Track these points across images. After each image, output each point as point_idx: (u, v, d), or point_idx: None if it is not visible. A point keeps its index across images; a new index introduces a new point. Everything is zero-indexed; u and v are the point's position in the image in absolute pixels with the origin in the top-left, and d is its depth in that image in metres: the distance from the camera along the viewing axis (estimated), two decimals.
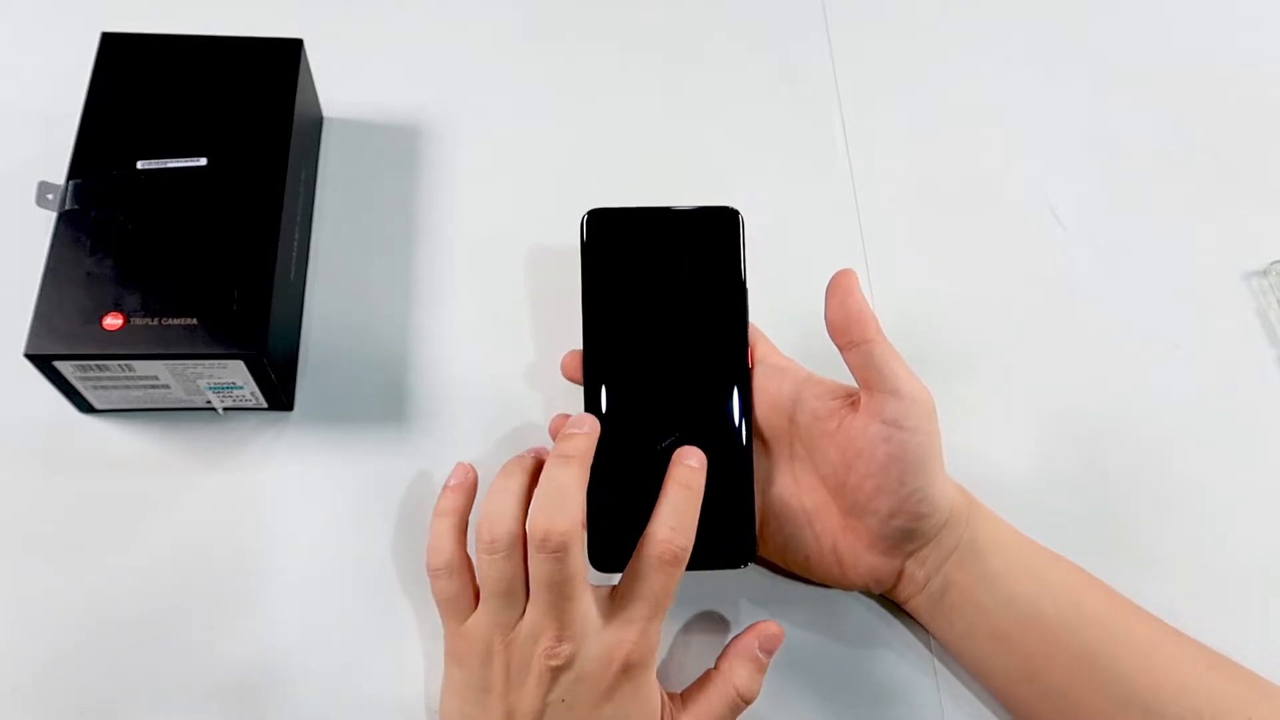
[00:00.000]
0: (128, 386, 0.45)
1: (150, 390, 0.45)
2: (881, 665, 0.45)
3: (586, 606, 0.38)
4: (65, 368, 0.43)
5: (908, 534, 0.41)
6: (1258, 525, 0.49)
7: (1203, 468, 0.50)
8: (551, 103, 0.59)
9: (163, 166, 0.46)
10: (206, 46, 0.50)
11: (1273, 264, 0.55)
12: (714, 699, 0.40)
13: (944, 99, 0.61)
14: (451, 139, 0.57)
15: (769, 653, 0.41)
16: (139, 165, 0.46)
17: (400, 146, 0.56)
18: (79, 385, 0.44)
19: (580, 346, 0.43)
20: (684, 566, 0.39)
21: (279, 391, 0.46)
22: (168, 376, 0.44)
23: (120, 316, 0.43)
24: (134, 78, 0.49)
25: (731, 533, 0.42)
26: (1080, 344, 0.53)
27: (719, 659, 0.41)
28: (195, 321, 0.43)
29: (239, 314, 0.43)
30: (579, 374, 0.44)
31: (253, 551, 0.45)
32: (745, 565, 0.42)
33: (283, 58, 0.50)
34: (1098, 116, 0.61)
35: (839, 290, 0.41)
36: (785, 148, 0.58)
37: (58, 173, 0.46)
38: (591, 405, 0.42)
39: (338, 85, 0.56)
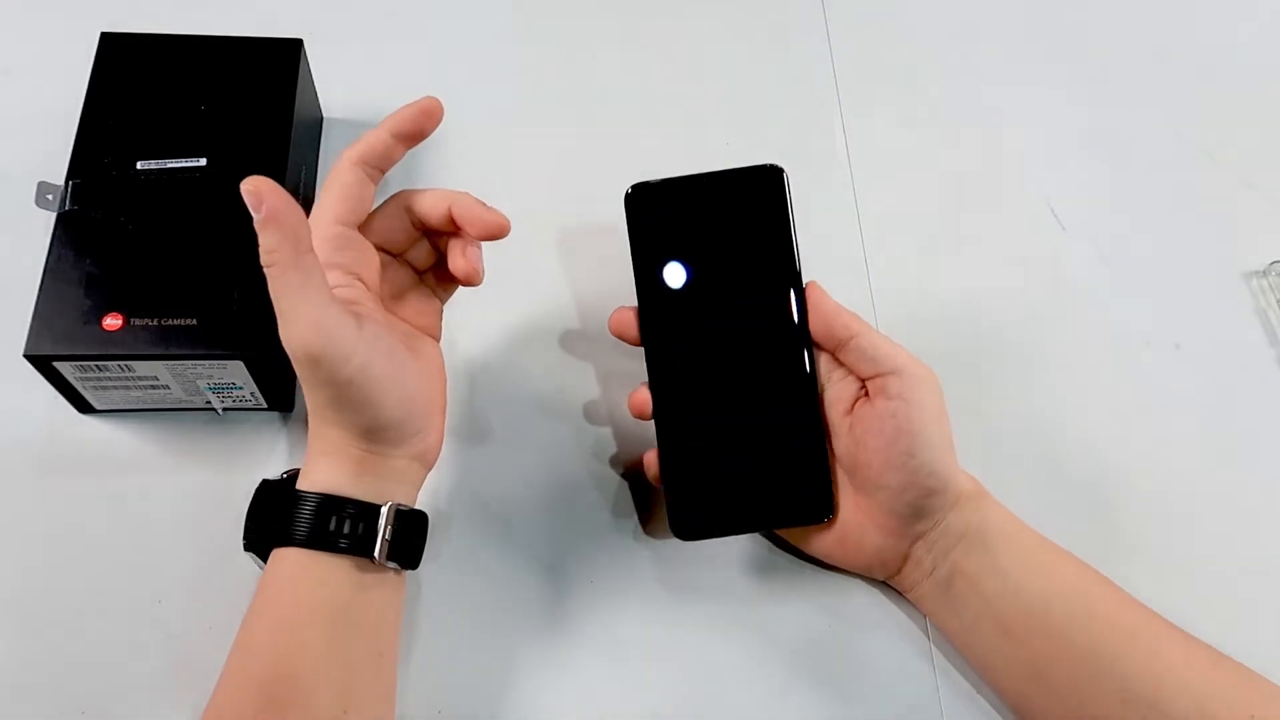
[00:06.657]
0: (127, 387, 0.44)
1: (150, 390, 0.45)
2: (878, 652, 0.45)
3: None
4: (65, 368, 0.43)
5: (918, 511, 0.41)
6: (1257, 525, 0.49)
7: (1202, 467, 0.50)
8: (551, 103, 0.59)
9: (162, 166, 0.46)
10: (206, 46, 0.50)
11: (1273, 264, 0.55)
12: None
13: (944, 99, 0.61)
14: (452, 139, 0.57)
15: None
16: (139, 165, 0.46)
17: None
18: (79, 385, 0.44)
19: (624, 305, 0.43)
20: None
21: (279, 391, 0.46)
22: (167, 377, 0.44)
23: (120, 317, 0.43)
24: (134, 78, 0.49)
25: (809, 490, 0.43)
26: (1080, 344, 0.53)
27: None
28: (195, 321, 0.43)
29: (239, 314, 0.43)
30: (630, 331, 0.43)
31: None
32: (825, 520, 0.43)
33: (283, 58, 0.50)
34: (1097, 116, 0.61)
35: (811, 305, 0.42)
36: (785, 148, 0.58)
37: (58, 173, 0.46)
38: (655, 377, 0.42)
39: (338, 85, 0.56)
